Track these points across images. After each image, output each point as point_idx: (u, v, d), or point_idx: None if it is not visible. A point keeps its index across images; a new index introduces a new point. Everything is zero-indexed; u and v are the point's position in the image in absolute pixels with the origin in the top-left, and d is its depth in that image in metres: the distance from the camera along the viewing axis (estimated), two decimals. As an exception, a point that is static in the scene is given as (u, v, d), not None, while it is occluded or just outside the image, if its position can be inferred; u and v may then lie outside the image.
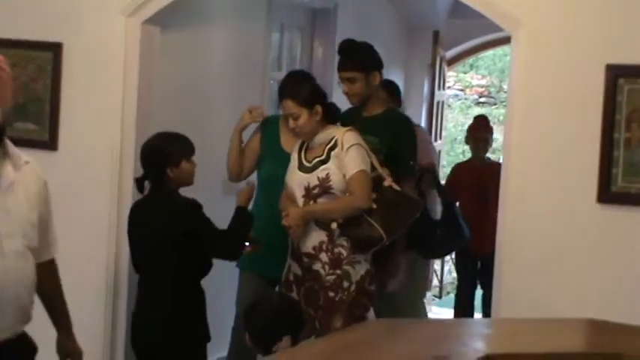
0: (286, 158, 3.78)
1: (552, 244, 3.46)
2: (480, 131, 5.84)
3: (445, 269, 8.36)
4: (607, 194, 3.39)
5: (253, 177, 4.04)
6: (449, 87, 10.38)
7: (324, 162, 3.61)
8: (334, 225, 3.59)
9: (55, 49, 4.01)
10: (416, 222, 3.76)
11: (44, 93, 4.04)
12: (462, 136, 13.69)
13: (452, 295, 7.01)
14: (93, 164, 4.01)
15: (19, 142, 4.03)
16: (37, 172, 2.76)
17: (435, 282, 7.83)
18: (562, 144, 3.47)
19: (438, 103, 7.53)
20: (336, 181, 3.58)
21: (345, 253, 3.60)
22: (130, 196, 3.95)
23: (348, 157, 3.57)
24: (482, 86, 15.02)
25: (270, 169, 3.89)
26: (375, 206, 3.59)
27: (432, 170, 4.88)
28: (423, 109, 7.64)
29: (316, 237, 3.61)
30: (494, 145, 6.95)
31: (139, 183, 3.59)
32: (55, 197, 4.04)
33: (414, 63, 7.58)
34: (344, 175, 3.57)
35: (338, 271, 3.58)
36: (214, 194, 4.10)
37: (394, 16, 7.43)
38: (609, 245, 3.39)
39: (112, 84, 3.96)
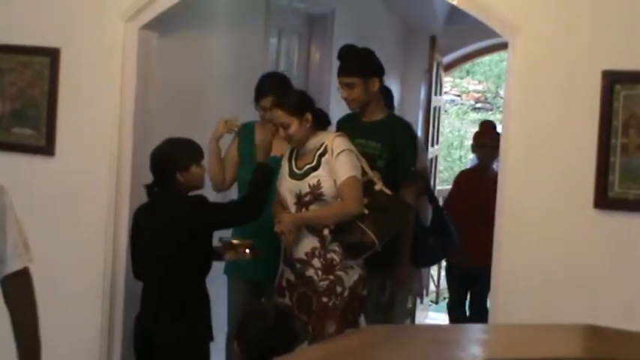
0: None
1: (549, 249, 3.46)
2: (482, 137, 5.57)
3: (442, 274, 8.36)
4: (604, 200, 3.39)
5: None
6: (445, 92, 10.40)
7: (315, 168, 3.62)
8: (326, 231, 3.61)
9: (52, 54, 4.01)
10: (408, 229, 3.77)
11: (41, 98, 4.03)
12: (458, 141, 13.77)
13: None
14: (90, 170, 4.01)
15: (16, 148, 4.09)
16: None
17: (432, 287, 7.82)
18: (559, 150, 3.47)
19: (434, 108, 7.52)
20: (327, 188, 3.59)
21: (337, 258, 3.61)
22: (127, 201, 3.95)
23: (338, 163, 3.58)
24: (478, 92, 15.05)
25: (248, 174, 3.85)
26: (366, 211, 3.60)
27: (424, 176, 4.87)
28: (420, 114, 7.64)
29: (308, 243, 3.62)
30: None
31: (149, 189, 3.63)
32: (51, 202, 4.07)
33: (411, 68, 7.58)
34: (335, 181, 3.58)
35: (331, 277, 3.59)
36: (215, 198, 4.09)
37: (391, 22, 7.44)
38: (606, 251, 3.39)
39: (109, 89, 3.95)
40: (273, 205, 3.75)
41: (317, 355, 1.97)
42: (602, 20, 3.41)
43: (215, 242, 3.77)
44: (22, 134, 4.08)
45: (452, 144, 13.42)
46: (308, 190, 3.61)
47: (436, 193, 5.35)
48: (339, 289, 3.59)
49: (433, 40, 7.25)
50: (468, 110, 14.61)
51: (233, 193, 4.18)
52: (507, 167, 3.55)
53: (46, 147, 4.05)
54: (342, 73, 3.94)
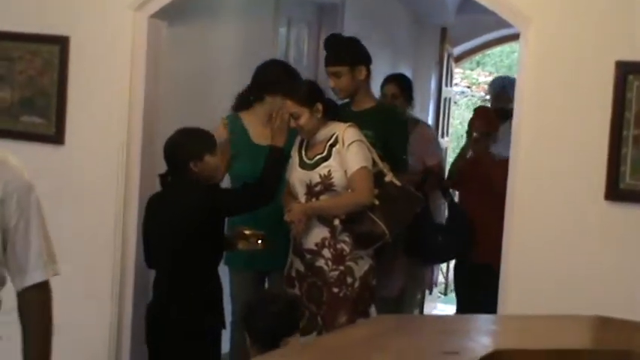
0: (260, 151, 3.72)
1: (560, 241, 3.45)
2: (473, 124, 5.08)
3: (451, 266, 8.35)
4: (615, 191, 3.37)
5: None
6: (456, 84, 10.37)
7: (326, 159, 3.62)
8: (337, 221, 3.60)
9: (62, 42, 4.00)
10: (417, 225, 3.76)
11: (51, 87, 4.03)
12: (469, 133, 13.77)
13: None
14: (100, 158, 4.01)
15: (26, 136, 4.09)
16: None
17: (441, 278, 7.82)
18: (570, 141, 3.45)
19: (445, 99, 7.52)
20: (337, 178, 3.59)
21: (347, 249, 3.61)
22: (136, 189, 3.96)
23: (349, 154, 3.58)
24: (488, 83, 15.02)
25: (243, 165, 3.84)
26: (377, 202, 3.60)
27: (437, 172, 4.84)
28: (430, 105, 7.62)
29: (318, 233, 3.62)
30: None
31: (162, 179, 3.63)
32: (61, 191, 4.07)
33: (421, 59, 7.56)
34: (345, 172, 3.58)
35: (341, 267, 3.59)
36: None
37: (402, 12, 7.41)
38: (617, 242, 3.38)
39: (118, 78, 3.95)
40: (282, 195, 3.74)
41: (327, 344, 1.97)
42: (616, 10, 3.39)
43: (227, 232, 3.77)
44: (32, 123, 4.08)
45: (462, 136, 13.35)
46: (319, 180, 3.61)
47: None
48: (349, 279, 3.59)
49: (444, 31, 7.24)
50: (478, 102, 14.56)
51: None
52: (518, 158, 3.53)
53: (55, 135, 4.05)
54: (328, 62, 3.96)
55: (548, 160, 3.48)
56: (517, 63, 3.97)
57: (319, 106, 3.64)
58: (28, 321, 2.31)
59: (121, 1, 3.94)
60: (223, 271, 4.03)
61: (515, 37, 7.41)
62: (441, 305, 7.33)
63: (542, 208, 3.47)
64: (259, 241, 3.80)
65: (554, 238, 3.45)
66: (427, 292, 6.35)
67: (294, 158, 3.73)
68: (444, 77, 7.37)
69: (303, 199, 3.65)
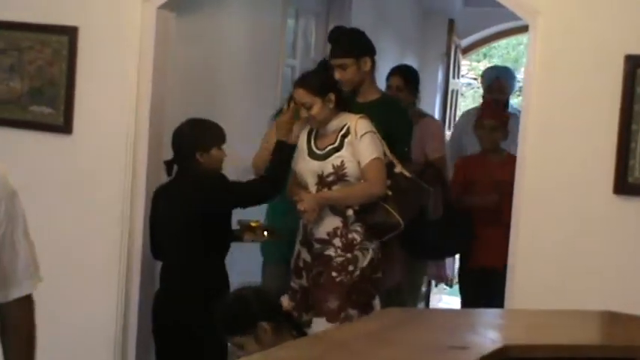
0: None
1: (568, 235, 3.44)
2: (480, 117, 4.76)
3: (456, 257, 8.33)
4: (624, 185, 3.36)
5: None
6: (462, 75, 10.34)
7: (338, 149, 3.60)
8: (350, 211, 3.60)
9: (71, 33, 4.00)
10: (412, 220, 3.75)
11: (60, 77, 4.03)
12: (474, 125, 13.70)
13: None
14: (107, 148, 4.01)
15: (34, 126, 4.10)
16: None
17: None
18: (579, 135, 3.44)
19: (452, 91, 7.51)
20: (350, 168, 3.58)
21: (358, 238, 3.61)
22: (144, 180, 3.96)
23: (362, 145, 3.57)
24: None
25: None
26: (389, 193, 3.60)
27: (438, 166, 4.78)
28: (437, 97, 7.61)
29: (330, 223, 3.61)
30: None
31: (168, 166, 3.64)
32: (68, 180, 4.08)
33: (428, 51, 7.55)
34: (358, 163, 3.57)
35: (348, 255, 3.59)
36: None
37: (409, 4, 7.39)
38: (626, 236, 3.37)
39: (127, 69, 3.95)
40: (289, 185, 3.74)
41: (335, 337, 1.97)
42: (625, 3, 3.37)
43: (234, 224, 3.78)
44: (41, 112, 4.08)
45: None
46: (331, 170, 3.60)
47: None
48: (351, 267, 3.59)
49: (451, 22, 7.23)
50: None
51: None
52: (526, 152, 3.52)
53: (63, 125, 4.05)
54: (333, 55, 3.93)
55: (557, 153, 3.47)
56: (523, 55, 3.96)
57: (332, 97, 3.62)
58: (14, 335, 2.17)
59: (129, -9, 3.94)
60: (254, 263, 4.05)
61: (522, 29, 7.40)
62: (447, 297, 7.33)
63: (551, 202, 3.47)
64: (265, 233, 3.82)
65: (563, 232, 3.45)
66: (433, 284, 6.32)
67: (302, 148, 3.71)
68: (451, 69, 7.35)
69: (313, 189, 3.64)
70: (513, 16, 3.74)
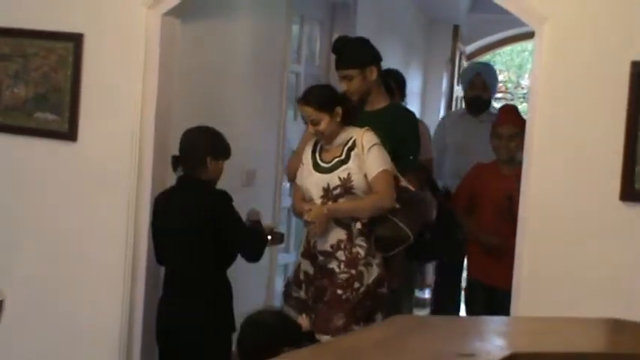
0: None
1: (574, 241, 3.43)
2: (496, 125, 4.46)
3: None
4: (630, 192, 3.35)
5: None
6: (467, 82, 10.33)
7: (344, 162, 3.59)
8: (358, 224, 3.58)
9: (76, 39, 4.00)
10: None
11: (65, 83, 4.03)
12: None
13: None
14: (112, 155, 4.01)
15: (39, 132, 4.10)
16: None
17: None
18: (585, 141, 3.43)
19: (456, 98, 7.51)
20: (357, 181, 3.56)
21: (362, 253, 3.58)
22: (149, 187, 3.96)
23: (370, 157, 3.56)
24: (499, 82, 14.98)
25: None
26: (397, 206, 3.58)
27: (427, 167, 4.77)
28: (442, 103, 7.62)
29: (335, 235, 3.59)
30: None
31: (175, 161, 3.69)
32: (73, 187, 4.09)
33: (433, 57, 7.56)
34: (365, 175, 3.56)
35: (352, 271, 3.56)
36: (234, 185, 4.10)
37: (414, 10, 7.40)
38: (633, 243, 3.35)
39: (132, 75, 3.95)
40: (294, 200, 3.74)
41: (341, 345, 1.96)
42: (632, 10, 3.36)
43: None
44: (45, 119, 4.08)
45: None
46: (338, 182, 3.57)
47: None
48: (357, 284, 3.56)
49: (456, 29, 7.24)
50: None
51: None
52: (532, 158, 3.51)
53: (68, 132, 4.05)
54: (339, 66, 3.92)
55: (563, 160, 3.46)
56: (527, 62, 3.95)
57: (339, 110, 3.61)
58: None
59: (135, -2, 3.94)
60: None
61: (526, 36, 7.41)
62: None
63: (557, 208, 3.46)
64: (268, 237, 3.81)
65: (569, 239, 3.44)
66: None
67: (307, 162, 3.70)
68: (455, 75, 7.35)
69: (318, 202, 3.62)
70: (518, 23, 3.73)
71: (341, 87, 3.91)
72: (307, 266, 3.66)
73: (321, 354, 1.83)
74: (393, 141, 3.86)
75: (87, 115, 4.04)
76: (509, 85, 14.90)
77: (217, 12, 4.44)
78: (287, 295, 3.76)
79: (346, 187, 3.57)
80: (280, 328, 3.03)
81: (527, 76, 13.69)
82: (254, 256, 3.68)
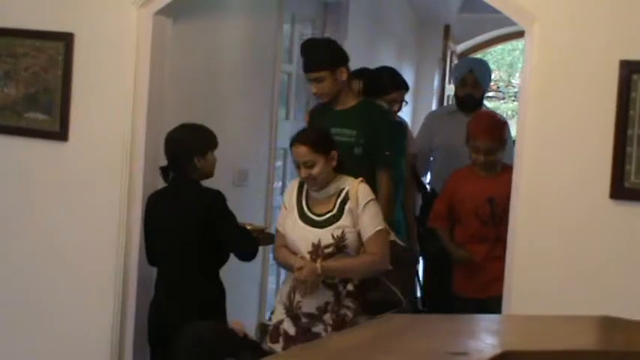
0: None
1: (564, 239, 3.44)
2: (474, 137, 4.12)
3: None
4: (620, 190, 3.36)
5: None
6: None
7: (337, 217, 3.37)
8: (350, 286, 3.39)
9: (66, 39, 4.00)
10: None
11: (55, 83, 4.02)
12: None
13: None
14: (103, 155, 4.01)
15: (30, 132, 4.09)
16: None
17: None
18: (575, 139, 3.44)
19: (448, 97, 7.51)
20: (351, 240, 3.36)
21: (350, 315, 3.37)
22: (140, 186, 3.95)
23: (366, 215, 3.35)
24: (490, 80, 15.00)
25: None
26: (390, 267, 3.40)
27: (412, 163, 4.76)
28: (434, 102, 7.62)
29: (322, 297, 3.37)
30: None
31: (164, 172, 3.63)
32: (64, 187, 4.08)
33: (424, 57, 7.57)
34: (359, 232, 3.37)
35: None
36: (226, 185, 4.10)
37: (405, 10, 7.41)
38: (622, 241, 3.37)
39: (123, 75, 3.94)
40: (276, 247, 3.53)
41: (334, 344, 1.96)
42: (621, 9, 3.38)
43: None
44: (36, 119, 4.07)
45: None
46: (331, 241, 3.35)
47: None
48: None
49: (447, 28, 7.24)
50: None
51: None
52: (523, 156, 3.52)
53: (59, 132, 4.04)
54: (307, 69, 3.90)
55: (553, 159, 3.47)
56: (519, 60, 3.96)
57: (334, 154, 3.40)
58: None
59: (125, -3, 3.93)
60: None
61: (517, 34, 7.42)
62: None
63: (547, 206, 3.47)
64: (260, 237, 3.81)
65: (560, 237, 3.45)
66: None
67: (291, 207, 3.45)
68: (447, 74, 7.36)
69: (306, 257, 3.38)
70: (508, 22, 3.74)
71: (311, 89, 3.93)
72: (289, 327, 3.40)
73: (312, 354, 1.83)
74: (367, 137, 3.86)
75: (78, 115, 4.04)
76: (500, 83, 14.93)
77: (209, 11, 4.43)
78: (262, 339, 3.48)
79: (339, 247, 3.35)
80: (218, 340, 2.96)
81: (518, 74, 13.71)
82: (249, 255, 3.67)
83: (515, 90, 13.76)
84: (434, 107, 7.50)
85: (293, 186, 3.52)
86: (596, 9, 3.41)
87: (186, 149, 3.58)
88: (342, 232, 3.34)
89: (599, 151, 3.37)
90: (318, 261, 3.34)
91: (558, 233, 3.45)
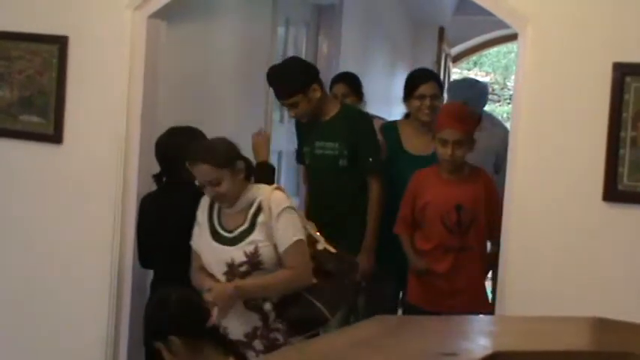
0: (408, 159, 3.97)
1: (558, 242, 3.45)
2: (440, 127, 3.70)
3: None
4: (613, 193, 3.37)
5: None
6: (453, 84, 10.35)
7: (249, 232, 3.10)
8: (268, 305, 3.11)
9: (61, 42, 4.00)
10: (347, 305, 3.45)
11: (50, 86, 4.03)
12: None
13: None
14: (98, 158, 4.01)
15: (24, 135, 4.09)
16: None
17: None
18: (568, 142, 3.45)
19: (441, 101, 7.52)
20: (266, 255, 3.07)
21: (281, 338, 3.11)
22: (134, 189, 3.95)
23: (280, 225, 3.06)
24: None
25: (392, 171, 4.01)
26: (314, 281, 3.11)
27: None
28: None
29: (249, 322, 3.11)
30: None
31: (157, 179, 3.63)
32: (59, 190, 4.08)
33: (419, 59, 7.57)
34: (274, 246, 3.08)
35: None
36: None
37: (400, 13, 7.42)
38: (615, 244, 3.38)
39: (117, 78, 3.95)
40: (193, 270, 3.29)
41: (323, 345, 1.97)
42: (614, 11, 3.39)
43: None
44: (30, 122, 4.07)
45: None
46: (244, 259, 3.07)
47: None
48: None
49: (441, 31, 7.26)
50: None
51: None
52: (516, 159, 3.53)
53: (54, 135, 4.04)
54: (279, 97, 3.92)
55: (546, 161, 3.48)
56: (514, 63, 3.97)
57: (240, 165, 3.10)
58: None
59: (120, 0, 3.94)
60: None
61: (512, 37, 7.44)
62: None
63: (540, 209, 3.47)
64: None
65: (553, 240, 3.45)
66: None
67: (202, 223, 3.20)
68: (441, 77, 7.37)
69: (222, 279, 3.11)
70: (503, 25, 3.75)
71: (289, 114, 3.97)
72: None
73: (301, 354, 1.84)
74: (350, 147, 3.88)
75: (72, 117, 4.04)
76: (495, 86, 14.96)
77: (203, 14, 4.44)
78: None
79: (252, 264, 3.07)
80: (175, 316, 2.77)
81: (513, 77, 13.72)
82: None
83: (511, 93, 13.78)
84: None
85: (205, 201, 3.25)
86: (590, 11, 3.42)
87: (178, 153, 3.56)
88: (255, 248, 3.06)
89: (592, 153, 3.38)
90: (234, 281, 3.08)
91: (551, 235, 3.46)
